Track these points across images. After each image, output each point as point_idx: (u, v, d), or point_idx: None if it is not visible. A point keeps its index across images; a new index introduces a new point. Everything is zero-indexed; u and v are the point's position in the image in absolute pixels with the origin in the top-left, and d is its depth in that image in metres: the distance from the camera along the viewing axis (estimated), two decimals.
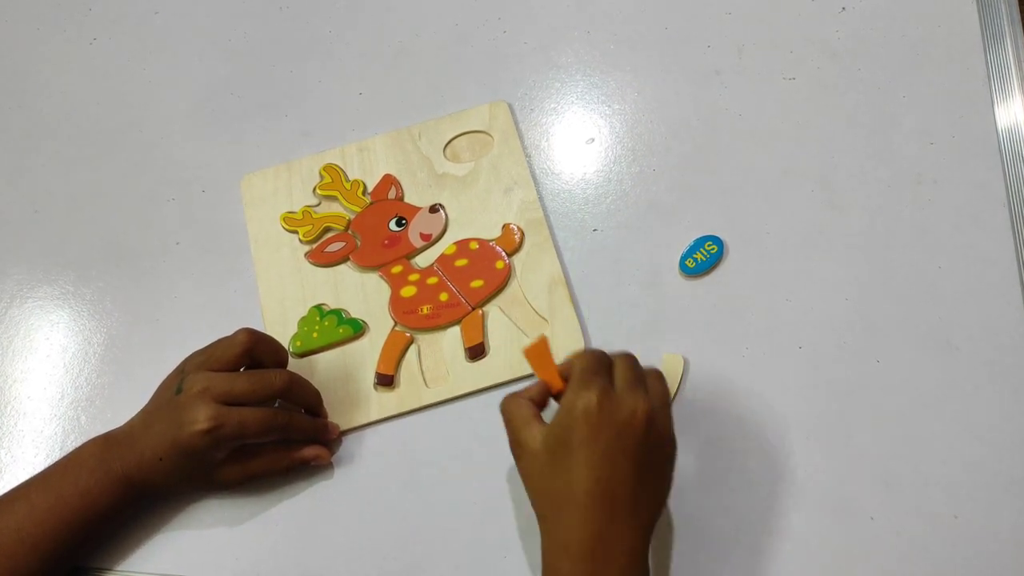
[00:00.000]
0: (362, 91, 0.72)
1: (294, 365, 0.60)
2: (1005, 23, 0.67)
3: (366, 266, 0.64)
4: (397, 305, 0.62)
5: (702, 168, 0.65)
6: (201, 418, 0.51)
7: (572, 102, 0.69)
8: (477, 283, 0.62)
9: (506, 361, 0.59)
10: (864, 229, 0.61)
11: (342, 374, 0.60)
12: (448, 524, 0.56)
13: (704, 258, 0.61)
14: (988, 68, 0.66)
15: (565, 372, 0.50)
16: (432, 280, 0.63)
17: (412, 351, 0.61)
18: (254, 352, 0.55)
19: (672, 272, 0.62)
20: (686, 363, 0.58)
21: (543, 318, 0.60)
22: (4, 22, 0.80)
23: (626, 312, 0.60)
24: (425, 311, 0.61)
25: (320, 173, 0.68)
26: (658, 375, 0.51)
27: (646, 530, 0.47)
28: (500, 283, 0.62)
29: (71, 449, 0.55)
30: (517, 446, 0.49)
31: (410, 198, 0.66)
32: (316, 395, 0.58)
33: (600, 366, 0.48)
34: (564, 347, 0.58)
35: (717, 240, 0.62)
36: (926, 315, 0.58)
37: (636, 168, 0.66)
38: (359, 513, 0.57)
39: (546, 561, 0.47)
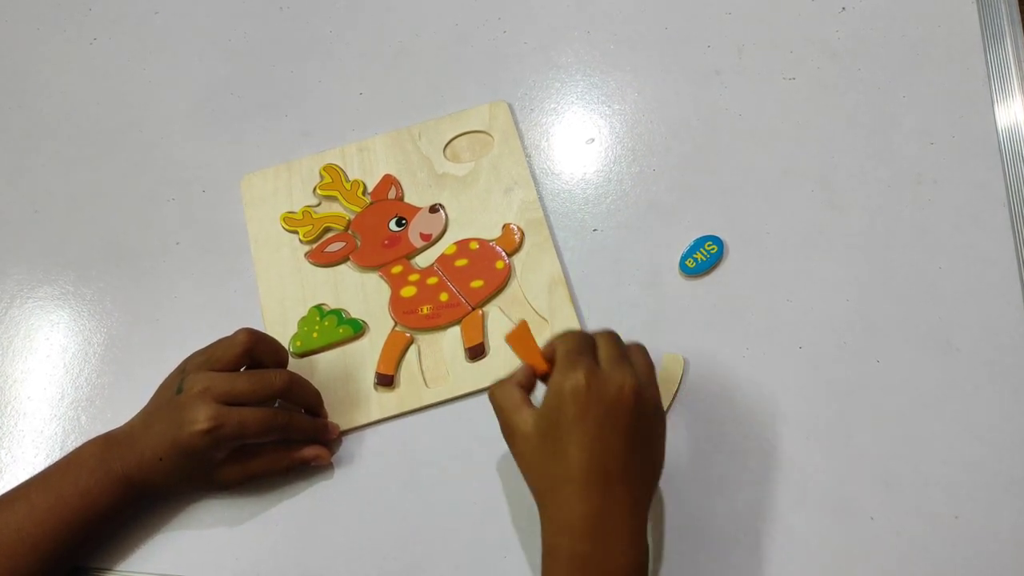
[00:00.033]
0: (362, 91, 0.72)
1: (294, 365, 0.60)
2: (1005, 23, 0.67)
3: (366, 266, 0.64)
4: (397, 305, 0.62)
5: (702, 168, 0.65)
6: (201, 418, 0.51)
7: (572, 102, 0.70)
8: (477, 283, 0.62)
9: (506, 361, 0.59)
10: (864, 229, 0.61)
11: (342, 374, 0.60)
12: (448, 524, 0.56)
13: (704, 258, 0.61)
14: (988, 68, 0.66)
15: (549, 354, 0.50)
16: (432, 280, 0.63)
17: (412, 351, 0.61)
18: (254, 352, 0.55)
19: (672, 272, 0.62)
20: (686, 363, 0.58)
21: (543, 318, 0.60)
22: (4, 22, 0.80)
23: (626, 312, 0.60)
24: (425, 311, 0.61)
25: (320, 173, 0.68)
26: (641, 349, 0.51)
27: (643, 505, 0.48)
28: (500, 283, 0.62)
29: (71, 449, 0.55)
30: (509, 431, 0.50)
31: (410, 198, 0.66)
32: (316, 395, 0.58)
33: (584, 346, 0.49)
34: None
35: (717, 240, 0.62)
36: (926, 315, 0.58)
37: (636, 168, 0.66)
38: (359, 513, 0.57)
39: (545, 541, 0.47)
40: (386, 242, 0.64)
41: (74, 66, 0.76)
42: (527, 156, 0.67)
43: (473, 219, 0.65)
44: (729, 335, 0.59)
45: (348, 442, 0.59)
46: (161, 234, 0.68)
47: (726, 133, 0.66)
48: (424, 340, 0.61)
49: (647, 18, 0.72)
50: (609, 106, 0.69)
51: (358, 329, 0.61)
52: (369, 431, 0.59)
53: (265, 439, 0.54)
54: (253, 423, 0.52)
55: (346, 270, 0.64)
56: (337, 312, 0.62)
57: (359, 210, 0.66)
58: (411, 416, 0.59)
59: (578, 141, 0.68)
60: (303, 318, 0.62)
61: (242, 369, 0.55)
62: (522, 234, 0.64)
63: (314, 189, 0.67)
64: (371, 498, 0.57)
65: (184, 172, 0.70)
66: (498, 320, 0.61)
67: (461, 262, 0.63)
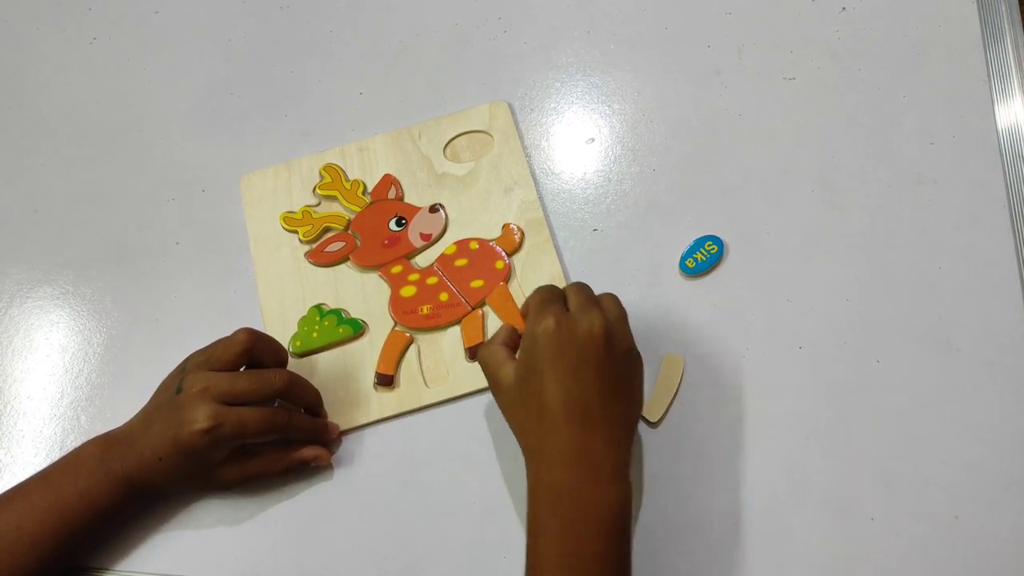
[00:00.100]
0: (362, 91, 0.72)
1: (294, 365, 0.60)
2: (1005, 23, 0.67)
3: (366, 266, 0.64)
4: (397, 305, 0.62)
5: (702, 168, 0.65)
6: (201, 417, 0.51)
7: (572, 102, 0.69)
8: (477, 283, 0.62)
9: None
10: (864, 229, 0.61)
11: (342, 374, 0.60)
12: (448, 524, 0.56)
13: (704, 258, 0.61)
14: (988, 68, 0.66)
15: (525, 311, 0.53)
16: (432, 280, 0.63)
17: (412, 351, 0.61)
18: (254, 352, 0.55)
19: (672, 272, 0.62)
20: (686, 363, 0.58)
21: None
22: (4, 22, 0.80)
23: (627, 312, 0.60)
24: (425, 311, 0.61)
25: (320, 173, 0.68)
26: (612, 297, 0.53)
27: (623, 442, 0.49)
28: (500, 283, 0.62)
29: (71, 449, 0.54)
30: (495, 387, 0.52)
31: (410, 198, 0.66)
32: (316, 395, 0.58)
33: (552, 295, 0.52)
34: None
35: (717, 240, 0.62)
36: (926, 315, 0.58)
37: (636, 168, 0.66)
38: (359, 513, 0.57)
39: (530, 480, 0.49)
40: (386, 242, 0.64)
41: (74, 66, 0.76)
42: (527, 156, 0.67)
43: (473, 219, 0.65)
44: (729, 335, 0.59)
45: (348, 442, 0.59)
46: (161, 234, 0.68)
47: (726, 133, 0.66)
48: (424, 340, 0.61)
49: (647, 18, 0.72)
50: (609, 106, 0.69)
51: (358, 329, 0.61)
52: (369, 431, 0.59)
53: (265, 439, 0.54)
54: (253, 423, 0.52)
55: (346, 270, 0.64)
56: (337, 312, 0.62)
57: (359, 210, 0.66)
58: (411, 416, 0.59)
59: (578, 141, 0.68)
60: (303, 318, 0.62)
61: (242, 369, 0.55)
62: (522, 234, 0.64)
63: (314, 189, 0.67)
64: (371, 498, 0.57)
65: (184, 172, 0.70)
66: (498, 320, 0.61)
67: (461, 262, 0.63)
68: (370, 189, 0.67)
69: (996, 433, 0.55)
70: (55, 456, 0.56)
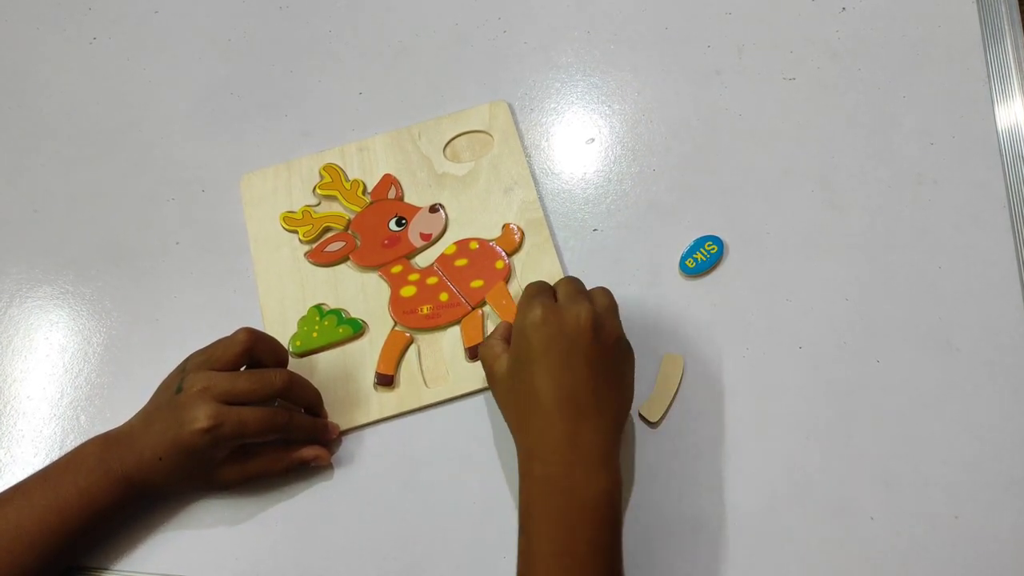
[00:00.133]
0: (362, 91, 0.72)
1: (294, 365, 0.60)
2: (1005, 23, 0.67)
3: (366, 266, 0.64)
4: (397, 305, 0.62)
5: (702, 168, 0.65)
6: (201, 417, 0.51)
7: (572, 102, 0.69)
8: (477, 283, 0.62)
9: None
10: (864, 229, 0.61)
11: (342, 374, 0.60)
12: (448, 524, 0.56)
13: (704, 258, 0.61)
14: (988, 68, 0.66)
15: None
16: (432, 280, 0.63)
17: (412, 351, 0.61)
18: (254, 351, 0.55)
19: (672, 272, 0.62)
20: (686, 363, 0.58)
21: None
22: (4, 22, 0.80)
23: (626, 312, 0.60)
24: (425, 311, 0.61)
25: (320, 173, 0.68)
26: (603, 289, 0.54)
27: (613, 431, 0.50)
28: (500, 283, 0.62)
29: (70, 449, 0.54)
30: (491, 380, 0.54)
31: (410, 198, 0.66)
32: (316, 395, 0.58)
33: (541, 289, 0.53)
34: None
35: (717, 240, 0.62)
36: (926, 315, 0.58)
37: (636, 168, 0.66)
38: (359, 513, 0.57)
39: (521, 468, 0.50)
40: (386, 242, 0.64)
41: (74, 66, 0.76)
42: (527, 156, 0.67)
43: (473, 219, 0.65)
44: (729, 335, 0.59)
45: (348, 442, 0.59)
46: (161, 234, 0.68)
47: (726, 133, 0.66)
48: (424, 340, 0.61)
49: (647, 18, 0.72)
50: (609, 106, 0.69)
51: (358, 329, 0.61)
52: (369, 431, 0.59)
53: (265, 439, 0.54)
54: (253, 422, 0.52)
55: (346, 270, 0.64)
56: (337, 312, 0.62)
57: (359, 210, 0.66)
58: (411, 416, 0.59)
59: (578, 141, 0.68)
60: (303, 318, 0.62)
61: (242, 368, 0.55)
62: (522, 234, 0.64)
63: (314, 189, 0.67)
64: (371, 498, 0.57)
65: (184, 172, 0.70)
66: (498, 320, 0.61)
67: (461, 262, 0.63)
68: (370, 189, 0.67)
69: (996, 433, 0.55)
70: (55, 456, 0.55)
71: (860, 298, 0.59)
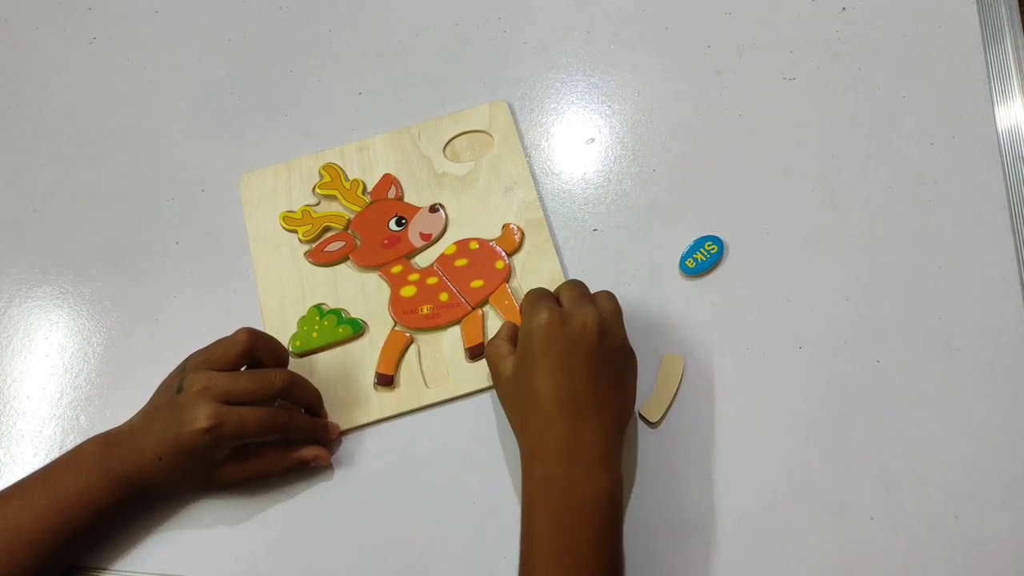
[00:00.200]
0: (362, 91, 0.72)
1: (294, 365, 0.60)
2: (1005, 23, 0.67)
3: (366, 266, 0.64)
4: (397, 305, 0.62)
5: (702, 168, 0.65)
6: (201, 417, 0.51)
7: (572, 102, 0.69)
8: (477, 283, 0.62)
9: None
10: (864, 229, 0.61)
11: (342, 374, 0.60)
12: (448, 524, 0.56)
13: (704, 258, 0.61)
14: (988, 68, 0.66)
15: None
16: (432, 280, 0.62)
17: (412, 351, 0.61)
18: (254, 351, 0.55)
19: (672, 272, 0.62)
20: (686, 363, 0.58)
21: None
22: (4, 22, 0.80)
23: (626, 312, 0.60)
24: (425, 311, 0.61)
25: (319, 172, 0.67)
26: (608, 294, 0.54)
27: (614, 434, 0.50)
28: (500, 283, 0.62)
29: (70, 448, 0.54)
30: (496, 380, 0.55)
31: (410, 198, 0.66)
32: (316, 395, 0.57)
33: (544, 293, 0.54)
34: None
35: (717, 240, 0.62)
36: (926, 315, 0.58)
37: (636, 168, 0.66)
38: (359, 513, 0.57)
39: (523, 469, 0.50)
40: (386, 242, 0.64)
41: (74, 66, 0.76)
42: (527, 156, 0.67)
43: (473, 219, 0.65)
44: (729, 335, 0.59)
45: (348, 442, 0.59)
46: (160, 234, 0.68)
47: (726, 133, 0.66)
48: (424, 340, 0.61)
49: (647, 18, 0.72)
50: (609, 106, 0.69)
51: (358, 329, 0.61)
52: (369, 431, 0.59)
53: (265, 439, 0.54)
54: (253, 422, 0.52)
55: (346, 269, 0.64)
56: (337, 312, 0.62)
57: (359, 209, 0.66)
58: (411, 416, 0.59)
59: (578, 141, 0.68)
60: (303, 317, 0.62)
61: (242, 368, 0.55)
62: (522, 234, 0.63)
63: (313, 188, 0.67)
64: (371, 498, 0.57)
65: (183, 172, 0.70)
66: (498, 320, 0.61)
67: (461, 262, 0.63)
68: (370, 189, 0.67)
69: (996, 433, 0.55)
70: (54, 456, 0.55)
71: (860, 298, 0.59)
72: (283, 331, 0.62)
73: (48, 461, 0.54)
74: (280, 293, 0.64)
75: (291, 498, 0.57)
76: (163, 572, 0.56)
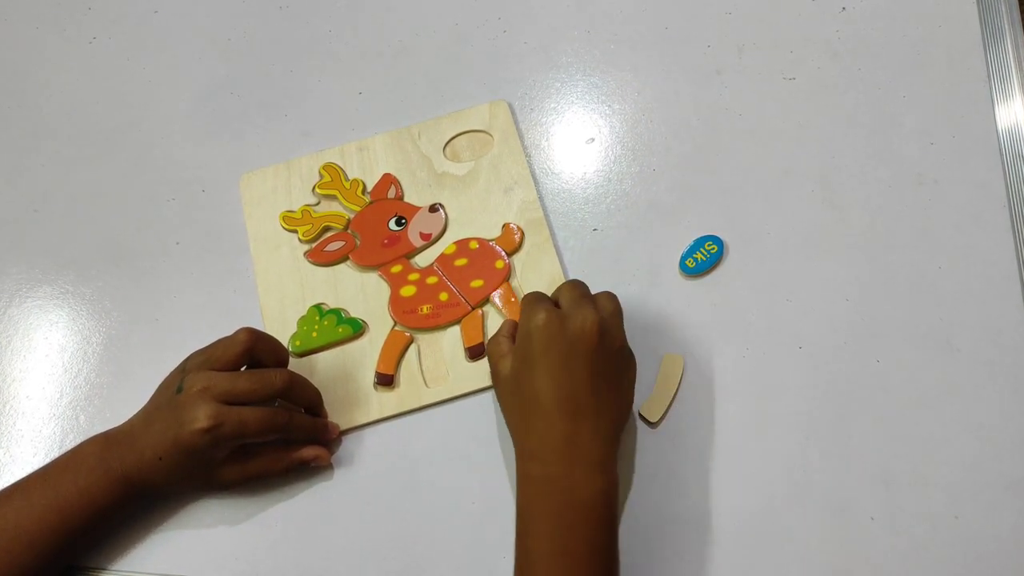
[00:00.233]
0: (362, 91, 0.72)
1: (294, 365, 0.60)
2: (1005, 23, 0.67)
3: (366, 265, 0.64)
4: (397, 305, 0.62)
5: (702, 168, 0.65)
6: (201, 417, 0.51)
7: (572, 102, 0.69)
8: (477, 283, 0.62)
9: None
10: (864, 229, 0.61)
11: (342, 374, 0.60)
12: (448, 524, 0.56)
13: (704, 258, 0.61)
14: (988, 68, 0.66)
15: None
16: (432, 280, 0.62)
17: (412, 351, 0.61)
18: (255, 351, 0.55)
19: (672, 272, 0.62)
20: (686, 363, 0.58)
21: None
22: (4, 22, 0.80)
23: (626, 312, 0.60)
24: (425, 311, 0.61)
25: (319, 172, 0.67)
26: (609, 295, 0.54)
27: (611, 436, 0.51)
28: (500, 283, 0.62)
29: (70, 448, 0.54)
30: (494, 378, 0.55)
31: (410, 197, 0.66)
32: (316, 395, 0.57)
33: (543, 296, 0.54)
34: None
35: (717, 240, 0.62)
36: (926, 315, 0.58)
37: (636, 168, 0.66)
38: (359, 513, 0.57)
39: (519, 470, 0.50)
40: (386, 241, 0.64)
41: (74, 66, 0.76)
42: (527, 156, 0.67)
43: (473, 218, 0.65)
44: (729, 335, 0.59)
45: (348, 442, 0.59)
46: (161, 234, 0.68)
47: (726, 133, 0.66)
48: (424, 340, 0.61)
49: (647, 18, 0.72)
50: (609, 106, 0.69)
51: (358, 328, 0.61)
52: (369, 431, 0.59)
53: (265, 439, 0.54)
54: (253, 422, 0.52)
55: (345, 269, 0.64)
56: (336, 311, 0.62)
57: (358, 209, 0.66)
58: (411, 416, 0.59)
59: (578, 141, 0.68)
60: (302, 317, 0.62)
61: (242, 368, 0.55)
62: (522, 234, 0.63)
63: (313, 188, 0.67)
64: (371, 498, 0.57)
65: (184, 172, 0.70)
66: (498, 320, 0.61)
67: (461, 262, 0.63)
68: (370, 188, 0.67)
69: (996, 433, 0.55)
70: (54, 456, 0.55)
71: (860, 298, 0.59)
72: (283, 331, 0.62)
73: (48, 461, 0.54)
74: (280, 293, 0.64)
75: (291, 498, 0.57)
76: (163, 572, 0.56)
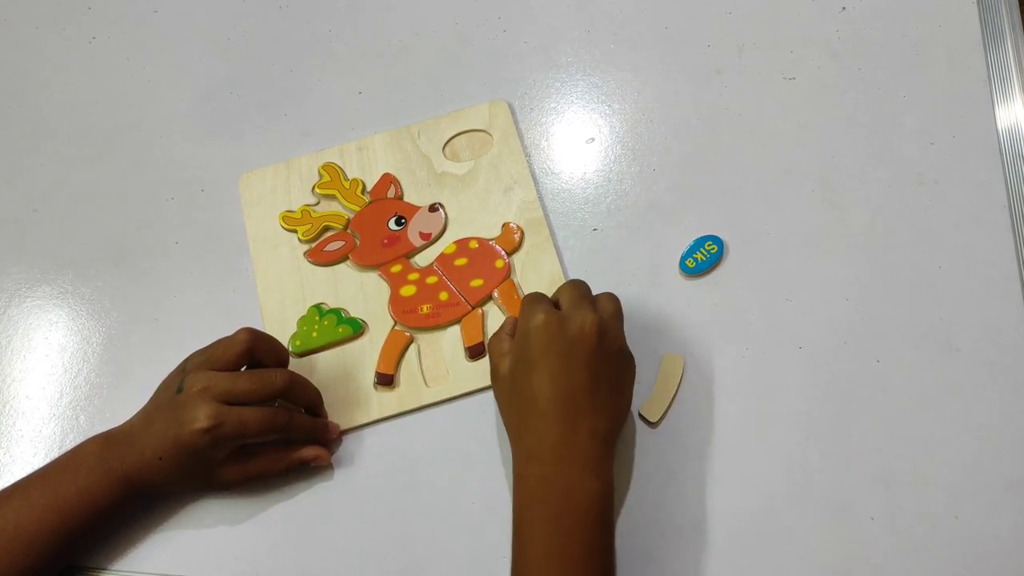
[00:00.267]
0: (362, 90, 0.72)
1: (294, 365, 0.60)
2: (1005, 23, 0.67)
3: (365, 265, 0.64)
4: (397, 304, 0.62)
5: (702, 168, 0.65)
6: (202, 417, 0.51)
7: (572, 102, 0.69)
8: (477, 282, 0.62)
9: None
10: (864, 229, 0.61)
11: (342, 373, 0.60)
12: (448, 524, 0.56)
13: (704, 258, 0.61)
14: (988, 68, 0.66)
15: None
16: (432, 279, 0.62)
17: (412, 350, 0.61)
18: (255, 351, 0.55)
19: (672, 272, 0.62)
20: (686, 363, 0.58)
21: None
22: (4, 22, 0.80)
23: (626, 312, 0.60)
24: (425, 310, 0.61)
25: (319, 172, 0.67)
26: (610, 296, 0.54)
27: (608, 437, 0.51)
28: (500, 282, 0.62)
29: (70, 448, 0.54)
30: (494, 376, 0.55)
31: (409, 197, 0.66)
32: (316, 395, 0.57)
33: (542, 297, 0.54)
34: None
35: (717, 240, 0.62)
36: (926, 315, 0.58)
37: (636, 168, 0.66)
38: (359, 513, 0.57)
39: (516, 470, 0.50)
40: (385, 241, 0.64)
41: (74, 66, 0.76)
42: (527, 155, 0.67)
43: (473, 218, 0.65)
44: (729, 335, 0.59)
45: (348, 442, 0.59)
46: (160, 234, 0.68)
47: (726, 133, 0.66)
48: (424, 339, 0.61)
49: (647, 18, 0.72)
50: (609, 106, 0.69)
51: (357, 328, 0.61)
52: (369, 431, 0.59)
53: (265, 439, 0.54)
54: (253, 422, 0.52)
55: (345, 269, 0.64)
56: (336, 311, 0.62)
57: (358, 209, 0.66)
58: (411, 416, 0.59)
59: (578, 141, 0.68)
60: (302, 317, 0.62)
61: (242, 368, 0.55)
62: (522, 233, 0.63)
63: (313, 188, 0.67)
64: (371, 498, 0.57)
65: (183, 172, 0.70)
66: (498, 319, 0.61)
67: (461, 261, 0.63)
68: (369, 188, 0.67)
69: (996, 433, 0.55)
70: (54, 456, 0.55)
71: (860, 298, 0.59)
72: (283, 331, 0.62)
73: (48, 461, 0.54)
74: (280, 293, 0.64)
75: (291, 498, 0.57)
76: (163, 572, 0.56)
